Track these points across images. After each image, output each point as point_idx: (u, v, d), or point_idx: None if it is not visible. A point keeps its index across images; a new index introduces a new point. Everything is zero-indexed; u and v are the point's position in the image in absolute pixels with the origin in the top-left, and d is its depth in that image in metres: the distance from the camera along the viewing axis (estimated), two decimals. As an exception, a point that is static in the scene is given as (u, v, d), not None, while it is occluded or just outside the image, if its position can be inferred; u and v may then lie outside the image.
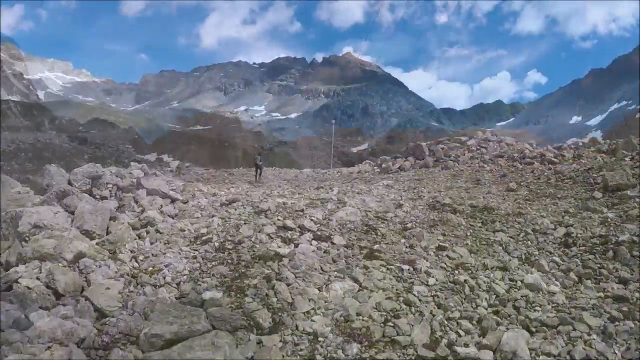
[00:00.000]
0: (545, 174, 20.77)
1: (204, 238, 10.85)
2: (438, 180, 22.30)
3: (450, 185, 20.04)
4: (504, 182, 19.98)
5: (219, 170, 42.21)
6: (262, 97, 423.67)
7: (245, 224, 11.65)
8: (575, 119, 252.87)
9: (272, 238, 10.91)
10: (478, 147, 31.59)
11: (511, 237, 11.76)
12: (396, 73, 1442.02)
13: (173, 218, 12.79)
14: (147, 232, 11.34)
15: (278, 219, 11.85)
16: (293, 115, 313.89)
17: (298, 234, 11.21)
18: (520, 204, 14.63)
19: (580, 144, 32.59)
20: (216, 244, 10.49)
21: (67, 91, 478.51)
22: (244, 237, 10.79)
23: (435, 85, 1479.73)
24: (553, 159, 25.72)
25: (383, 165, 32.13)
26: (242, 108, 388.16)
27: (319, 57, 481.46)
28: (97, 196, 13.80)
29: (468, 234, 11.87)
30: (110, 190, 14.30)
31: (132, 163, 24.33)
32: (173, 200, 14.72)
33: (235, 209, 13.24)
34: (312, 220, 11.95)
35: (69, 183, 13.97)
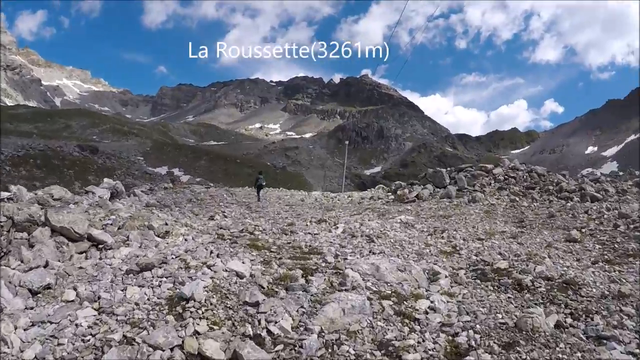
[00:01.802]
0: (606, 216, 16.79)
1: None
2: (469, 218, 18.41)
3: (489, 228, 15.89)
4: (557, 225, 16.08)
5: (222, 189, 39.96)
6: (277, 115, 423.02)
7: (117, 345, 5.68)
8: (590, 149, 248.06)
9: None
10: (506, 177, 28.31)
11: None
12: (413, 97, 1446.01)
13: (33, 296, 7.53)
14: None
15: (196, 332, 6.08)
16: (307, 135, 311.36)
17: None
18: (608, 272, 9.78)
19: (598, 174, 30.01)
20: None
21: (84, 100, 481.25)
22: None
23: (451, 111, 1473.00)
24: (595, 194, 23.01)
25: (398, 192, 29.11)
26: (257, 125, 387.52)
27: (337, 78, 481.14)
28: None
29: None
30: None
31: (104, 180, 21.84)
32: (97, 245, 10.45)
33: (141, 286, 7.70)
34: (268, 332, 6.29)
35: None
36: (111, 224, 12.32)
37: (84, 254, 10.17)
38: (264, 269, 8.94)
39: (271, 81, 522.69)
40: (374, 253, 11.03)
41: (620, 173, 37.40)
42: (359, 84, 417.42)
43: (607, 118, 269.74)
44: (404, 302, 7.50)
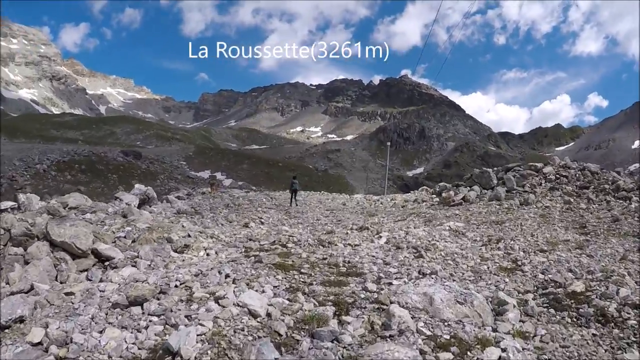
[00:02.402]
0: None
1: None
2: (525, 223, 16.62)
3: (550, 236, 14.17)
4: (625, 232, 14.33)
5: (261, 193, 39.39)
6: (318, 118, 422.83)
7: None
8: (638, 143, 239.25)
9: None
10: (557, 176, 26.51)
11: None
12: (454, 96, 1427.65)
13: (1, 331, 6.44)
14: None
15: None
16: (349, 137, 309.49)
17: None
18: None
19: None
20: None
21: (128, 107, 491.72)
22: None
23: (493, 109, 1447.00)
24: None
25: (443, 195, 27.86)
26: (299, 129, 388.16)
27: (376, 80, 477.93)
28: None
29: None
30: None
31: (126, 191, 21.24)
32: (105, 262, 9.50)
33: (124, 327, 6.34)
34: None
35: None
36: (124, 237, 11.34)
37: (86, 272, 9.03)
38: (287, 302, 7.30)
39: (311, 84, 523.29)
40: (424, 274, 9.55)
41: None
42: (399, 85, 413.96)
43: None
44: (468, 352, 5.81)
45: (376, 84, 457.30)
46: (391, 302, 7.23)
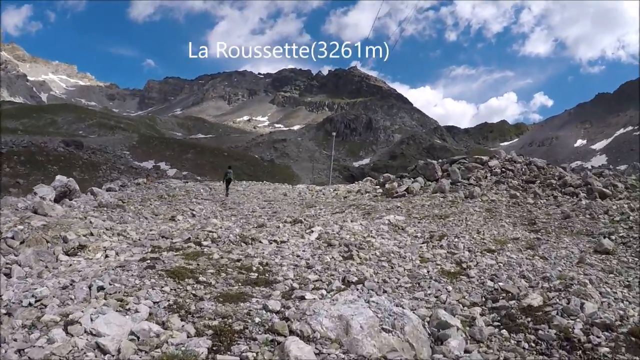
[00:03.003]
0: (632, 218, 14.29)
1: None
2: (470, 218, 15.50)
3: (498, 232, 13.13)
4: (577, 230, 13.54)
5: (201, 184, 37.81)
6: (265, 107, 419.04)
7: None
8: (580, 142, 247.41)
9: None
10: (503, 169, 25.97)
11: None
12: (403, 89, 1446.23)
13: None
14: None
15: None
16: (296, 127, 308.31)
17: None
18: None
19: (590, 167, 27.90)
20: None
21: (70, 94, 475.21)
22: None
23: (440, 103, 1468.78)
24: (604, 189, 20.52)
25: (387, 186, 27.04)
26: (245, 118, 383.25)
27: (325, 70, 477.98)
28: None
29: None
30: None
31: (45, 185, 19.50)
32: None
33: None
34: None
35: None
36: (12, 238, 9.69)
37: None
38: (155, 330, 5.53)
39: (259, 73, 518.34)
40: (348, 282, 8.11)
41: (610, 166, 35.73)
42: (348, 76, 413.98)
43: (597, 112, 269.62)
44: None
45: (325, 74, 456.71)
46: (291, 332, 5.68)
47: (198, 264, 8.92)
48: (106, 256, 9.67)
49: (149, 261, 8.97)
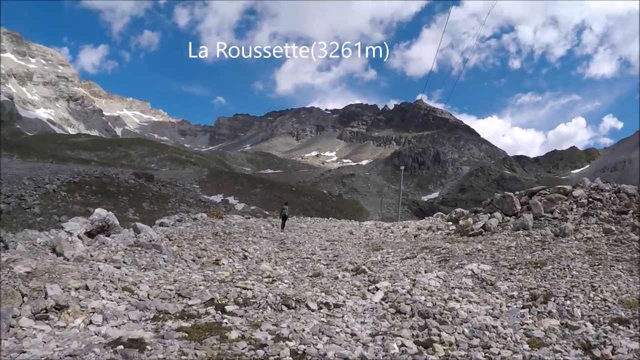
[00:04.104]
0: None
1: None
2: (573, 265, 12.26)
3: (619, 287, 9.99)
4: None
5: (263, 219, 36.63)
6: (333, 143, 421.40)
7: None
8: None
9: None
10: (590, 199, 22.99)
11: None
12: (470, 121, 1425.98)
13: None
14: None
15: None
16: (364, 162, 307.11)
17: None
18: None
19: None
20: None
21: (144, 130, 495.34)
22: None
23: (508, 133, 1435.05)
24: None
25: (461, 223, 24.81)
26: (314, 153, 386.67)
27: (391, 104, 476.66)
28: None
29: None
30: None
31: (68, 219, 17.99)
32: None
33: None
34: None
35: None
36: None
37: None
38: None
39: (326, 109, 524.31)
40: None
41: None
42: (414, 109, 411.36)
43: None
44: None
45: (391, 108, 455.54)
46: None
47: (197, 355, 6.32)
48: (90, 322, 7.51)
49: (124, 345, 6.42)
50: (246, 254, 17.24)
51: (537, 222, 21.78)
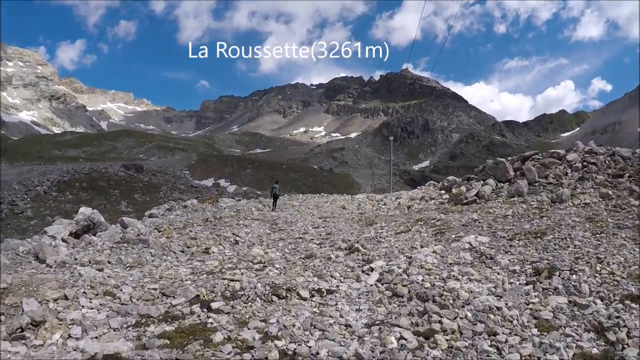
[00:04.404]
0: None
1: None
2: (575, 234, 11.64)
3: (625, 258, 9.44)
4: None
5: (254, 201, 35.90)
6: (321, 118, 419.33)
7: None
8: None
9: None
10: (584, 163, 22.26)
11: None
12: (457, 88, 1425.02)
13: None
14: None
15: None
16: (353, 135, 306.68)
17: None
18: None
19: None
20: None
21: (129, 121, 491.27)
22: None
23: (497, 98, 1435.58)
24: None
25: (454, 191, 24.30)
26: (302, 129, 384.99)
27: (377, 75, 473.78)
28: None
29: None
30: None
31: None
32: None
33: None
34: None
35: None
36: None
37: None
38: None
39: (311, 84, 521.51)
40: None
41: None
42: (400, 79, 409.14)
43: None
44: None
45: (377, 79, 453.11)
46: None
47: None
48: (68, 336, 6.92)
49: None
50: (237, 238, 16.77)
51: (532, 188, 21.25)
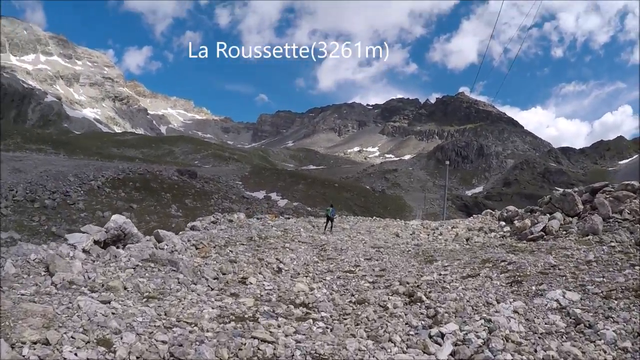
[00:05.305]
0: None
1: None
2: None
3: None
4: None
5: (303, 220, 34.86)
6: (375, 138, 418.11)
7: None
8: None
9: None
10: None
11: None
12: (513, 112, 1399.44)
13: None
14: None
15: None
16: (407, 157, 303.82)
17: None
18: None
19: None
20: None
21: (188, 127, 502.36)
22: None
23: (553, 124, 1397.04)
24: None
25: (517, 224, 22.72)
26: (356, 149, 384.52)
27: (433, 98, 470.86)
28: None
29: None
30: None
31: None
32: None
33: None
34: None
35: None
36: None
37: None
38: None
39: (368, 104, 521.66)
40: None
41: None
42: (456, 102, 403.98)
43: None
44: None
45: (433, 102, 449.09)
46: None
47: None
48: None
49: None
50: (281, 265, 15.57)
51: (606, 225, 19.07)
